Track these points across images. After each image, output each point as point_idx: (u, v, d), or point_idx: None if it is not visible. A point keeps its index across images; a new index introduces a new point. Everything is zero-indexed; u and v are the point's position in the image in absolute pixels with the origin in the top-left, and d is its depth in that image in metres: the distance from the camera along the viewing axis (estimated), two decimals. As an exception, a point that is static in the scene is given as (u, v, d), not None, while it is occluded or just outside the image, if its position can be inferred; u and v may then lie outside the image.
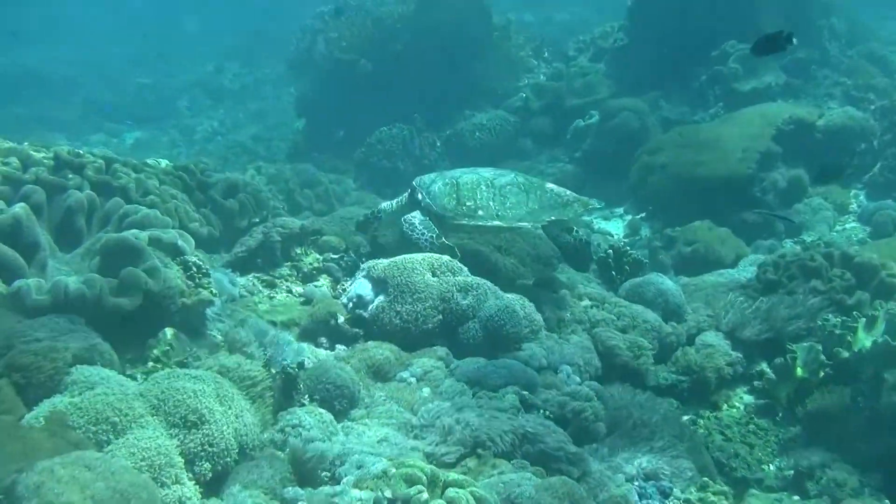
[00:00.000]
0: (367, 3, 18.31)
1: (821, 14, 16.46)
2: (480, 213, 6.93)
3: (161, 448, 3.91)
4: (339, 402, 5.16)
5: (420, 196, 7.08)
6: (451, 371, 5.74)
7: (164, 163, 8.39)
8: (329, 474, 4.36)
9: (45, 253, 5.21)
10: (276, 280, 6.94)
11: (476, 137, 15.90)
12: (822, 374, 6.46)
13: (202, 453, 4.11)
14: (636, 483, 5.33)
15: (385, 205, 7.49)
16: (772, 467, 6.15)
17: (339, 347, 6.05)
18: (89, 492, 3.37)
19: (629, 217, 12.90)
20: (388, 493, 3.94)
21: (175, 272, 5.44)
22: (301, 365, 5.19)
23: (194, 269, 5.57)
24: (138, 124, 24.02)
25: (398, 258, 6.46)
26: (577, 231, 7.31)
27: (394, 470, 4.12)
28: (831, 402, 6.21)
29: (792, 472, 6.00)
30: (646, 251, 10.45)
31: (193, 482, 4.02)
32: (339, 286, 6.94)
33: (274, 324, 6.05)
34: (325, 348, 6.05)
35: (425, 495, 3.92)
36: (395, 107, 16.17)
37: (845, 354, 6.36)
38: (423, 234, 6.86)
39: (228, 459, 4.23)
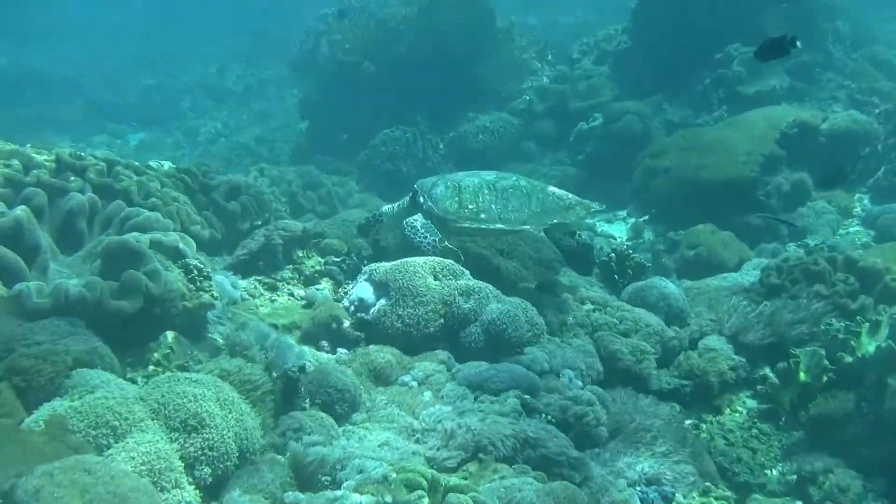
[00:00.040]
0: (370, 5, 18.33)
1: (825, 17, 16.44)
2: (483, 216, 6.91)
3: (161, 452, 3.89)
4: (341, 406, 5.15)
5: (422, 199, 7.07)
6: (453, 375, 5.72)
7: (166, 165, 8.38)
8: (330, 479, 4.34)
9: (47, 256, 5.20)
10: (278, 283, 6.92)
11: (479, 140, 15.89)
12: (825, 378, 6.44)
13: (202, 457, 4.09)
14: (638, 488, 5.32)
15: (386, 208, 7.48)
16: (774, 472, 6.15)
17: (341, 351, 6.03)
18: (89, 496, 3.35)
19: (632, 220, 12.88)
20: (388, 499, 3.93)
21: (176, 275, 5.43)
22: (302, 368, 5.17)
23: (195, 272, 5.55)
24: (142, 125, 24.08)
25: (400, 262, 6.44)
26: (579, 234, 7.29)
27: (394, 475, 4.11)
28: (834, 406, 6.19)
29: (795, 477, 5.99)
30: (649, 255, 10.44)
31: (193, 486, 4.00)
32: (340, 289, 6.92)
33: (275, 327, 6.03)
34: (327, 352, 6.03)
35: (426, 500, 3.91)
36: (398, 109, 16.18)
37: (849, 359, 6.34)
38: (425, 237, 6.85)
39: (229, 464, 4.21)
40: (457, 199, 6.94)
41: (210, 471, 4.11)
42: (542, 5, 26.89)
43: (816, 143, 12.36)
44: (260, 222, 8.05)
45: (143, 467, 3.79)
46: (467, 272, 6.52)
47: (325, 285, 7.03)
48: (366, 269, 6.64)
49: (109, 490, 3.43)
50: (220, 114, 26.21)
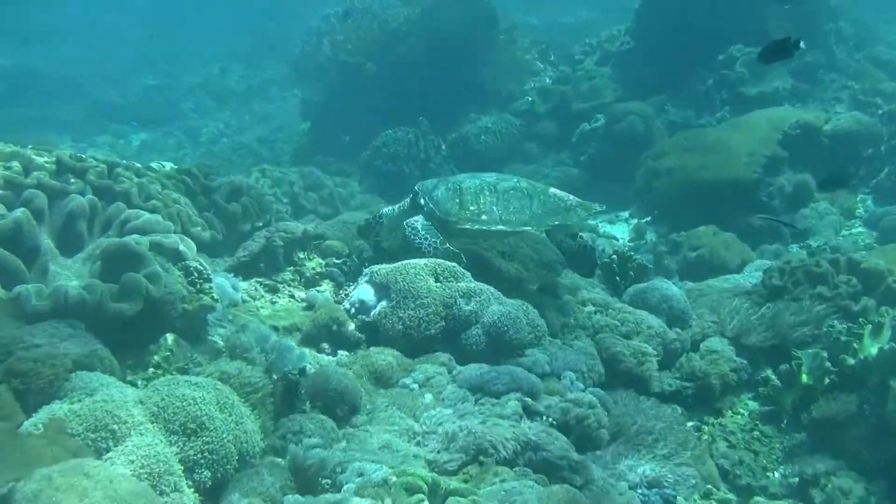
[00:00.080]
0: (373, 6, 18.29)
1: (828, 18, 16.41)
2: (484, 217, 6.90)
3: (160, 456, 3.88)
4: (341, 409, 5.14)
5: (423, 201, 7.05)
6: (454, 377, 5.71)
7: (168, 166, 8.38)
8: (330, 482, 4.32)
9: (46, 258, 5.19)
10: (279, 285, 6.92)
11: (482, 141, 15.86)
12: (827, 380, 6.44)
13: (202, 461, 4.09)
14: (639, 491, 5.32)
15: (386, 210, 7.46)
16: (776, 475, 6.14)
17: (342, 353, 6.02)
18: (87, 500, 3.36)
19: (634, 221, 12.85)
20: (388, 502, 3.92)
21: (176, 277, 5.43)
22: (302, 371, 5.16)
23: (196, 274, 5.55)
24: (144, 126, 24.07)
25: (401, 263, 6.43)
26: (581, 236, 7.27)
27: (394, 478, 4.10)
28: (837, 409, 6.19)
29: (797, 479, 5.99)
30: (651, 256, 10.41)
31: (193, 490, 4.00)
32: (341, 291, 6.91)
33: (276, 329, 6.02)
34: (328, 354, 6.02)
35: (426, 504, 3.91)
36: (400, 110, 16.14)
37: (851, 361, 6.34)
38: (426, 238, 6.84)
39: (228, 467, 4.21)
40: (458, 200, 6.93)
41: (210, 474, 4.10)
42: (545, 5, 26.81)
43: (819, 145, 12.33)
44: (261, 224, 8.03)
45: (142, 471, 3.79)
46: (468, 274, 6.50)
47: (326, 287, 7.01)
48: (367, 270, 6.63)
49: (108, 494, 3.42)
50: (221, 114, 26.20)
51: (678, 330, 7.30)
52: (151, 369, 4.96)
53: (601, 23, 21.67)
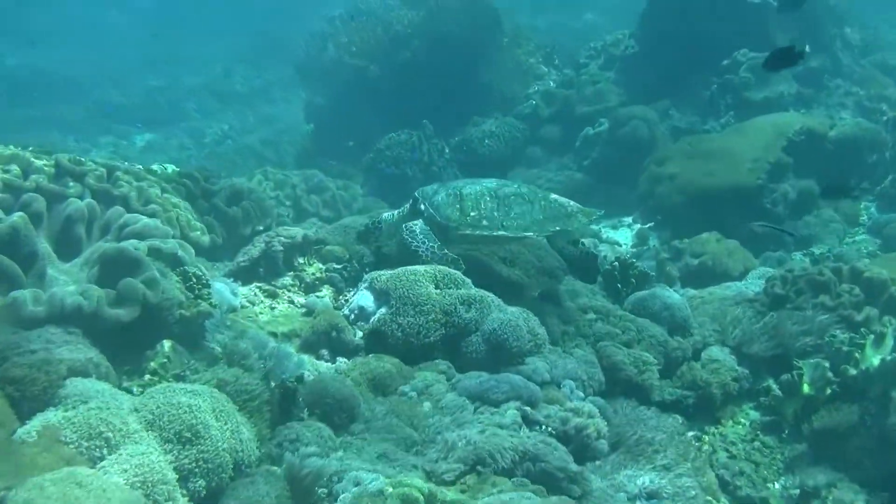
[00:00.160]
0: (377, 8, 18.26)
1: (833, 23, 16.37)
2: (485, 223, 6.87)
3: (155, 464, 3.85)
4: (339, 417, 5.11)
5: (423, 207, 7.03)
6: (453, 385, 5.67)
7: (170, 168, 8.38)
8: (326, 491, 4.30)
9: (44, 262, 5.16)
10: (278, 290, 6.88)
11: (485, 144, 15.82)
12: (829, 391, 6.40)
13: (197, 470, 4.06)
14: (638, 502, 5.27)
15: (386, 215, 7.43)
16: (777, 486, 6.11)
17: (341, 360, 5.99)
18: (79, 510, 3.33)
19: (637, 226, 12.82)
20: (384, 513, 3.90)
21: (174, 283, 5.40)
22: (300, 378, 5.13)
23: (194, 279, 5.53)
24: (147, 127, 24.06)
25: (401, 270, 6.39)
26: (582, 243, 7.24)
27: (391, 489, 4.08)
28: (838, 420, 6.15)
29: (798, 491, 5.95)
30: (653, 262, 10.37)
31: (187, 499, 3.97)
32: (341, 297, 6.89)
33: (275, 335, 6.00)
34: (326, 360, 5.99)
35: (421, 516, 3.88)
36: (403, 112, 16.11)
37: (853, 372, 6.30)
38: (423, 242, 6.81)
39: (223, 476, 4.17)
40: (458, 206, 6.90)
41: (204, 483, 4.07)
42: (551, 8, 26.80)
43: (824, 151, 12.30)
44: (262, 227, 8.03)
45: (136, 480, 3.75)
46: (469, 281, 6.47)
47: (326, 293, 6.98)
48: (367, 276, 6.60)
49: (100, 503, 3.39)
50: (225, 115, 26.20)
51: (679, 338, 7.26)
52: (148, 376, 4.92)
53: (607, 26, 21.64)
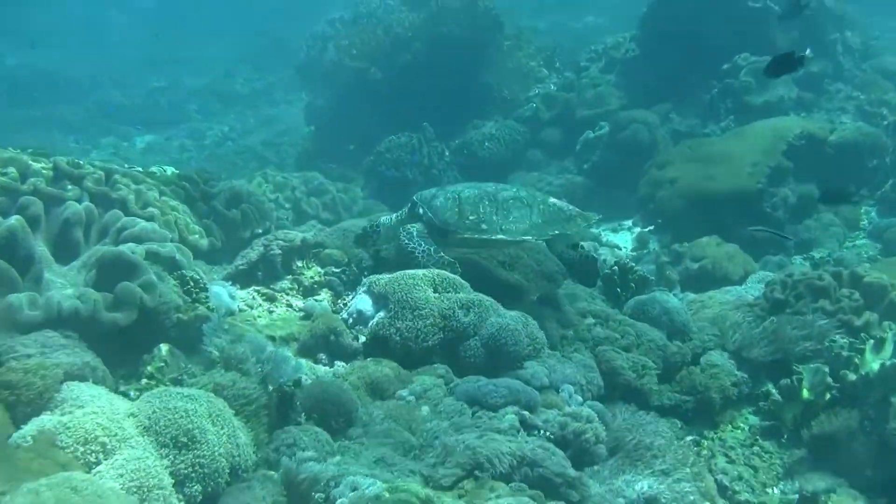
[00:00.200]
0: (378, 11, 18.26)
1: (834, 28, 16.34)
2: (484, 226, 6.86)
3: (150, 469, 3.84)
4: (336, 421, 5.09)
5: (421, 210, 7.02)
6: (451, 389, 5.66)
7: (169, 170, 8.36)
8: (323, 496, 4.28)
9: (41, 266, 5.14)
10: (277, 294, 6.86)
11: (485, 147, 15.79)
12: (828, 396, 6.37)
13: (193, 475, 4.05)
14: (636, 508, 5.25)
15: (384, 219, 7.41)
16: (776, 491, 6.07)
17: (339, 364, 5.97)
18: (74, 515, 3.32)
19: (638, 230, 12.81)
20: (381, 519, 3.88)
21: (172, 287, 5.40)
22: (298, 383, 5.13)
23: (191, 283, 5.52)
24: (148, 128, 24.06)
25: (399, 273, 6.38)
26: (582, 246, 7.23)
27: (387, 495, 4.06)
28: (837, 425, 6.12)
29: (797, 496, 5.93)
30: (653, 266, 10.36)
31: (183, 504, 3.96)
32: (340, 301, 6.87)
33: (273, 339, 5.99)
34: (325, 364, 5.98)
35: (418, 522, 3.86)
36: (404, 115, 16.10)
37: (852, 377, 6.27)
38: (419, 244, 6.80)
39: (220, 481, 4.17)
40: (457, 209, 6.90)
41: (200, 488, 4.07)
42: (552, 10, 26.79)
43: (824, 155, 12.25)
44: (261, 230, 8.03)
45: (132, 484, 3.75)
46: (467, 285, 6.45)
47: (325, 296, 6.97)
48: (365, 280, 6.59)
49: (96, 509, 3.39)
50: (226, 117, 26.20)
51: (679, 343, 7.24)
52: (145, 380, 4.92)
53: (608, 29, 21.62)
